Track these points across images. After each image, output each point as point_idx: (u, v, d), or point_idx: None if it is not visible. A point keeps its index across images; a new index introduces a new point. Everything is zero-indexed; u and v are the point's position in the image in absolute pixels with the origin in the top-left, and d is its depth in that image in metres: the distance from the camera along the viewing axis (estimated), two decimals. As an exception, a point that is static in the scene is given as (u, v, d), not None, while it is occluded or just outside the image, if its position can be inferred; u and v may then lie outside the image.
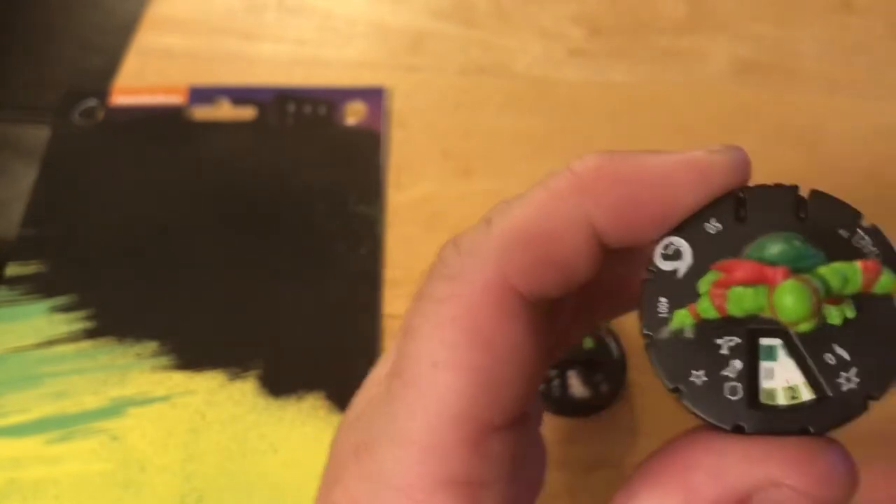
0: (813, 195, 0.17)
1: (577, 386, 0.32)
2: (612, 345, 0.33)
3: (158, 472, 0.30)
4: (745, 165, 0.17)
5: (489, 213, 0.18)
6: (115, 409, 0.32)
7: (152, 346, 0.34)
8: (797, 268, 0.16)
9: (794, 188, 0.17)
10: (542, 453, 0.20)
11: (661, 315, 0.17)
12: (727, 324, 0.16)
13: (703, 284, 0.17)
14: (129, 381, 0.33)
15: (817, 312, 0.15)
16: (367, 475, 0.17)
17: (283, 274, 0.36)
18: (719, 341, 0.16)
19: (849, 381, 0.16)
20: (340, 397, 0.32)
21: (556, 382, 0.31)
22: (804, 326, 0.16)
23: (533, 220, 0.17)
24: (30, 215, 0.37)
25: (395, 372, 0.17)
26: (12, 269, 0.36)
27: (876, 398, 0.16)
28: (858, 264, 0.16)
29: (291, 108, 0.42)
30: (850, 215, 0.17)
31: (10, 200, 0.39)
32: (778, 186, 0.17)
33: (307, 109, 0.42)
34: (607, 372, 0.32)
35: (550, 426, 0.31)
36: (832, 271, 0.16)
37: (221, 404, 0.32)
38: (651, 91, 0.44)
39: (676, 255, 0.17)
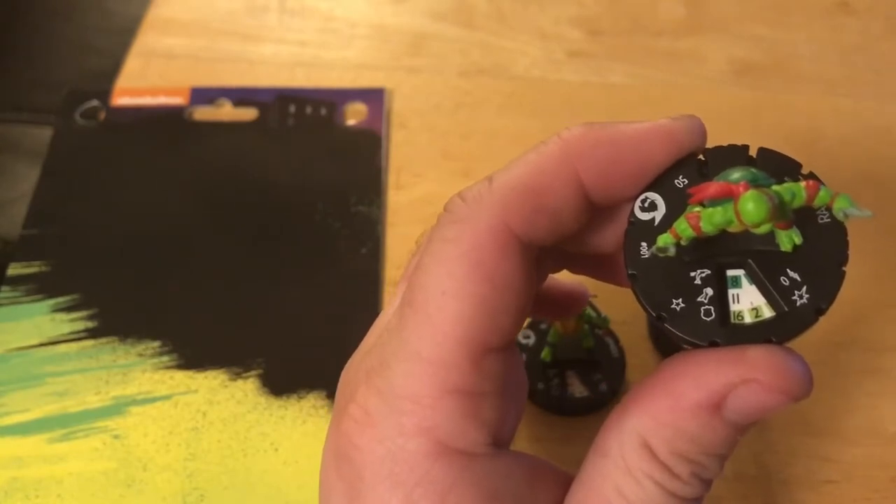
0: (760, 151, 0.20)
1: (576, 385, 0.32)
2: (612, 344, 0.33)
3: (160, 471, 0.30)
4: (702, 129, 0.20)
5: (489, 174, 0.20)
6: (117, 408, 0.32)
7: (154, 345, 0.34)
8: (755, 185, 0.18)
9: (746, 147, 0.20)
10: (523, 384, 0.22)
11: (642, 256, 0.19)
12: (699, 256, 0.19)
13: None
14: (131, 381, 0.33)
15: (774, 217, 0.17)
16: (377, 390, 0.19)
17: (284, 274, 0.36)
18: (693, 274, 0.19)
19: (801, 297, 0.18)
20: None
21: (555, 382, 0.32)
22: (764, 228, 0.18)
23: (529, 176, 0.20)
24: (32, 215, 0.38)
25: (406, 301, 0.20)
26: (15, 269, 0.36)
27: (824, 310, 0.18)
28: (802, 183, 0.18)
29: (292, 108, 0.42)
30: (793, 165, 0.20)
31: (12, 201, 0.39)
32: (731, 146, 0.20)
33: (308, 110, 0.42)
34: (606, 371, 0.32)
35: (550, 426, 0.32)
36: (783, 188, 0.18)
37: (223, 403, 0.32)
38: (649, 92, 0.44)
39: (652, 207, 0.20)
